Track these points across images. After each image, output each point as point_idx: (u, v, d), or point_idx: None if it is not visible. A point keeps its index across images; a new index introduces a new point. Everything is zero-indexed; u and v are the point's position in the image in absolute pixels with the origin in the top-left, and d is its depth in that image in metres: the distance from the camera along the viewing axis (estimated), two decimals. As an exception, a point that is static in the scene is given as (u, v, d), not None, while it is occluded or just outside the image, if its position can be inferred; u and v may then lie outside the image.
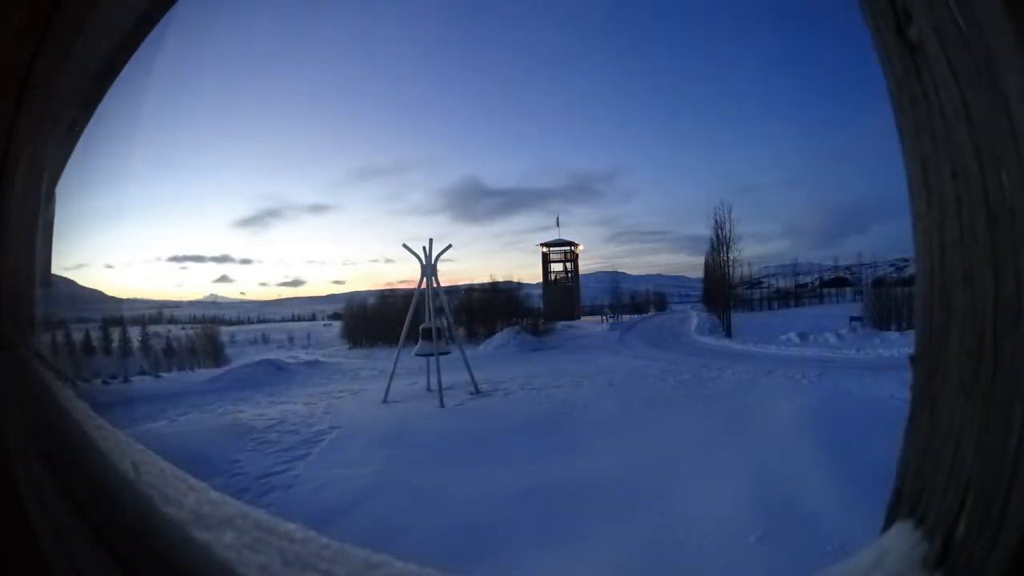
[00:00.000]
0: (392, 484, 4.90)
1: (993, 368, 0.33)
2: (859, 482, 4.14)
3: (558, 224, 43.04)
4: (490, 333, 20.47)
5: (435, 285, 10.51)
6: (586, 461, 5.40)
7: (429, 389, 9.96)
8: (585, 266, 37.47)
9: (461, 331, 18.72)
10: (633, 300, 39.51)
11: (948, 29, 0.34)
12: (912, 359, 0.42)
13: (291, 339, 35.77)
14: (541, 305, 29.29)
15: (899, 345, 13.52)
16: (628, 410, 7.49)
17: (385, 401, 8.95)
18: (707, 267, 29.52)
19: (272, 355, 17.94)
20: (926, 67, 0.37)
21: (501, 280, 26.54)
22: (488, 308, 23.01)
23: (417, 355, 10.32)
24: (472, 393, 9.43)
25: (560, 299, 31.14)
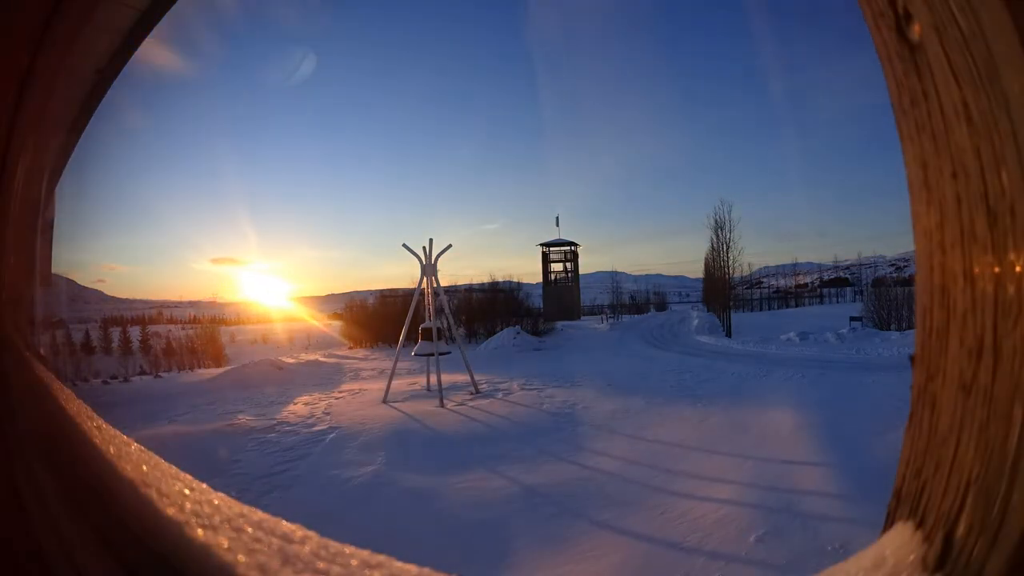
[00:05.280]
0: (392, 484, 4.90)
1: (993, 368, 0.33)
2: (859, 482, 4.15)
3: (557, 224, 42.98)
4: (490, 333, 20.45)
5: (435, 285, 10.51)
6: (586, 461, 5.40)
7: (429, 389, 9.95)
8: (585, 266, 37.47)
9: (461, 331, 18.71)
10: (633, 300, 39.49)
11: (948, 29, 0.34)
12: (912, 359, 0.42)
13: (291, 339, 35.73)
14: (541, 305, 29.26)
15: (899, 345, 13.52)
16: (628, 410, 7.49)
17: (385, 401, 8.94)
18: (707, 267, 29.55)
19: (272, 355, 17.93)
20: (926, 67, 0.37)
21: (501, 280, 26.52)
22: (488, 308, 22.99)
23: (417, 355, 10.31)
24: (472, 393, 9.42)
25: (560, 299, 31.10)
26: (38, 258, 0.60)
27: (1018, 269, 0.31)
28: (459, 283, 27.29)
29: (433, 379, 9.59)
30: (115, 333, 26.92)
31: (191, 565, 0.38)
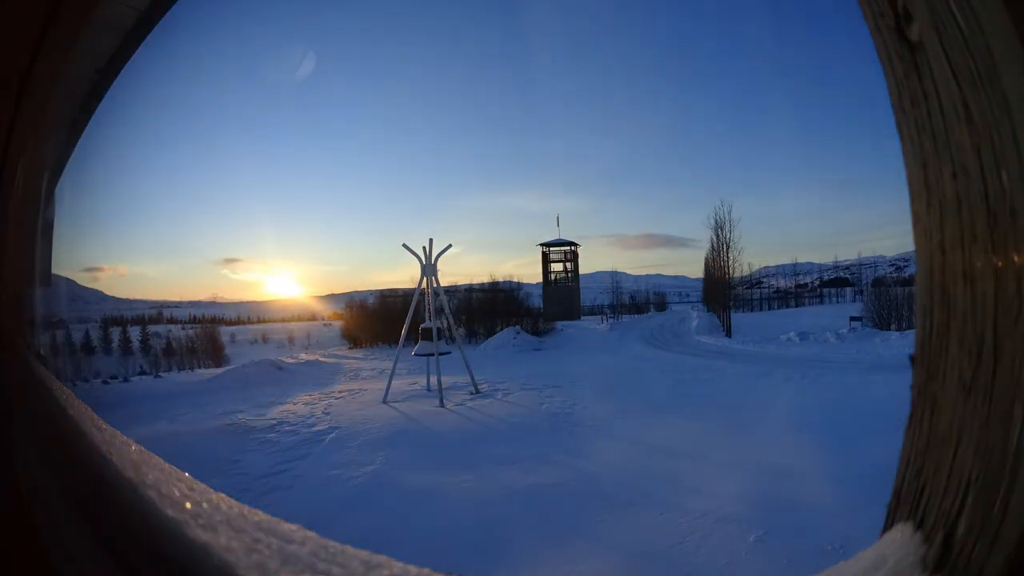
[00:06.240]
0: (392, 484, 4.90)
1: (993, 368, 0.33)
2: (859, 482, 4.15)
3: (558, 224, 43.22)
4: (490, 333, 20.45)
5: (435, 285, 10.51)
6: (586, 461, 5.40)
7: (429, 389, 9.95)
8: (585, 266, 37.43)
9: (461, 331, 18.71)
10: (633, 300, 39.46)
11: (948, 29, 0.34)
12: (912, 359, 0.42)
13: (291, 339, 35.76)
14: (541, 305, 29.25)
15: (899, 345, 13.52)
16: (628, 410, 7.49)
17: (385, 401, 8.94)
18: (707, 267, 29.57)
19: (272, 355, 17.93)
20: (926, 67, 0.37)
21: (501, 280, 26.53)
22: (488, 308, 22.99)
23: (417, 355, 10.31)
24: (472, 393, 9.42)
25: (560, 299, 31.10)
26: (38, 258, 0.60)
27: (1018, 269, 0.31)
28: (459, 283, 27.31)
29: (433, 379, 9.59)
30: (115, 333, 26.96)
31: (191, 565, 0.38)
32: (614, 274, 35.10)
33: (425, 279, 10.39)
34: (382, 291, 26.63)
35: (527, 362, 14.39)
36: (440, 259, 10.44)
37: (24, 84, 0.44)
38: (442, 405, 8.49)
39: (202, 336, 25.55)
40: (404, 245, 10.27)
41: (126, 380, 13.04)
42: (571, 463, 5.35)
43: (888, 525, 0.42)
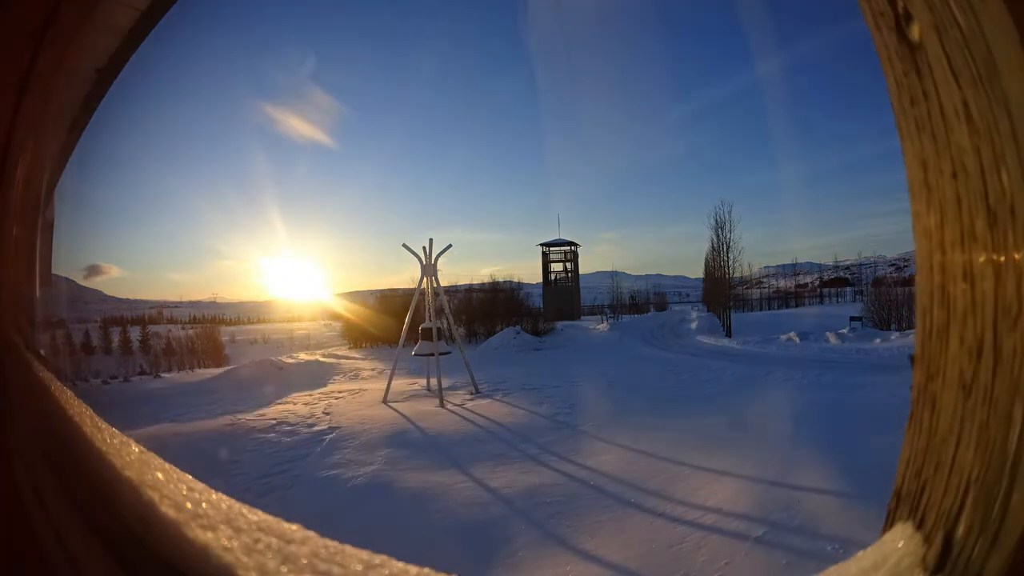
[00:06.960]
0: (391, 484, 4.90)
1: (993, 368, 0.33)
2: (859, 482, 4.15)
3: (558, 224, 43.35)
4: (490, 333, 20.45)
5: (435, 285, 10.51)
6: (586, 461, 5.40)
7: (429, 389, 9.95)
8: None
9: (461, 331, 18.70)
10: (633, 300, 39.42)
11: (948, 29, 0.34)
12: (912, 359, 0.42)
13: (291, 339, 35.74)
14: (541, 305, 29.25)
15: (899, 345, 13.52)
16: (628, 410, 7.49)
17: (385, 401, 8.94)
18: (707, 267, 29.58)
19: (272, 355, 17.92)
20: (926, 67, 0.37)
21: (501, 280, 26.52)
22: (488, 308, 22.97)
23: (417, 355, 10.31)
24: (472, 393, 9.42)
25: (560, 299, 31.09)
26: (38, 258, 0.60)
27: (1018, 269, 0.31)
28: (459, 283, 27.32)
29: (433, 379, 9.59)
30: (115, 333, 26.98)
31: (191, 565, 0.38)
32: (614, 274, 35.14)
33: (425, 279, 10.40)
34: (382, 291, 26.62)
35: (527, 362, 14.38)
36: (440, 260, 10.45)
37: (24, 84, 0.44)
38: (442, 405, 8.49)
39: (202, 336, 25.54)
40: (404, 245, 10.28)
41: (126, 380, 13.03)
42: (570, 464, 5.35)
43: (888, 525, 0.42)
